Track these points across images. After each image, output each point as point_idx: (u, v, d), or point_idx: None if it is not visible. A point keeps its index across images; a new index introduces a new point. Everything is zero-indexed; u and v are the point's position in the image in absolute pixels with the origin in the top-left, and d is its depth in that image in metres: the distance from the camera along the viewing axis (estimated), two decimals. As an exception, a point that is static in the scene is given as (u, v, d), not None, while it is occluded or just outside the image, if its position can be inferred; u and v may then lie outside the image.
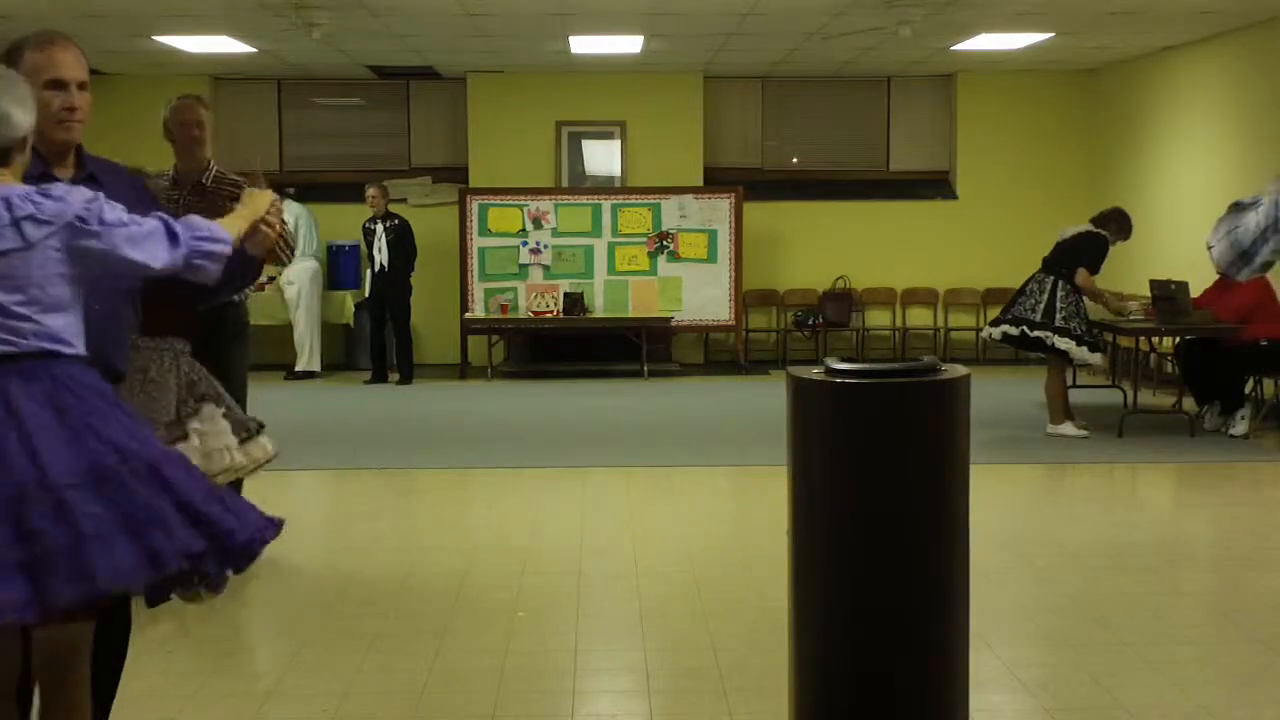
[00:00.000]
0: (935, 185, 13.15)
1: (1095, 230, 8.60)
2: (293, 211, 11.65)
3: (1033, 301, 8.53)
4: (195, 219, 2.95)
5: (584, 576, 5.33)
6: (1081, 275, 8.46)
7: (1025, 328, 8.49)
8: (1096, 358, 8.59)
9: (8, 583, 2.59)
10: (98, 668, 3.03)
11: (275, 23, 9.55)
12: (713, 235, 12.07)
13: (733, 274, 12.09)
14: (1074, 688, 4.05)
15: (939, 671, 2.97)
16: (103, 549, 2.61)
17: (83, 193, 2.81)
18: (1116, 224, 8.69)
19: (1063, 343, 8.41)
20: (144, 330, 3.81)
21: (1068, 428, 8.57)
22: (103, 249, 2.78)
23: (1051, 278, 8.51)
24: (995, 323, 8.84)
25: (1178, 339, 9.06)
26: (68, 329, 2.78)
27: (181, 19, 9.45)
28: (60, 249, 2.73)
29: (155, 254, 2.83)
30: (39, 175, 2.98)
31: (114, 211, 2.81)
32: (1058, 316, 8.43)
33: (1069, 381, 9.03)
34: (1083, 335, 8.42)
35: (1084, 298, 8.54)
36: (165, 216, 2.91)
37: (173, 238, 2.87)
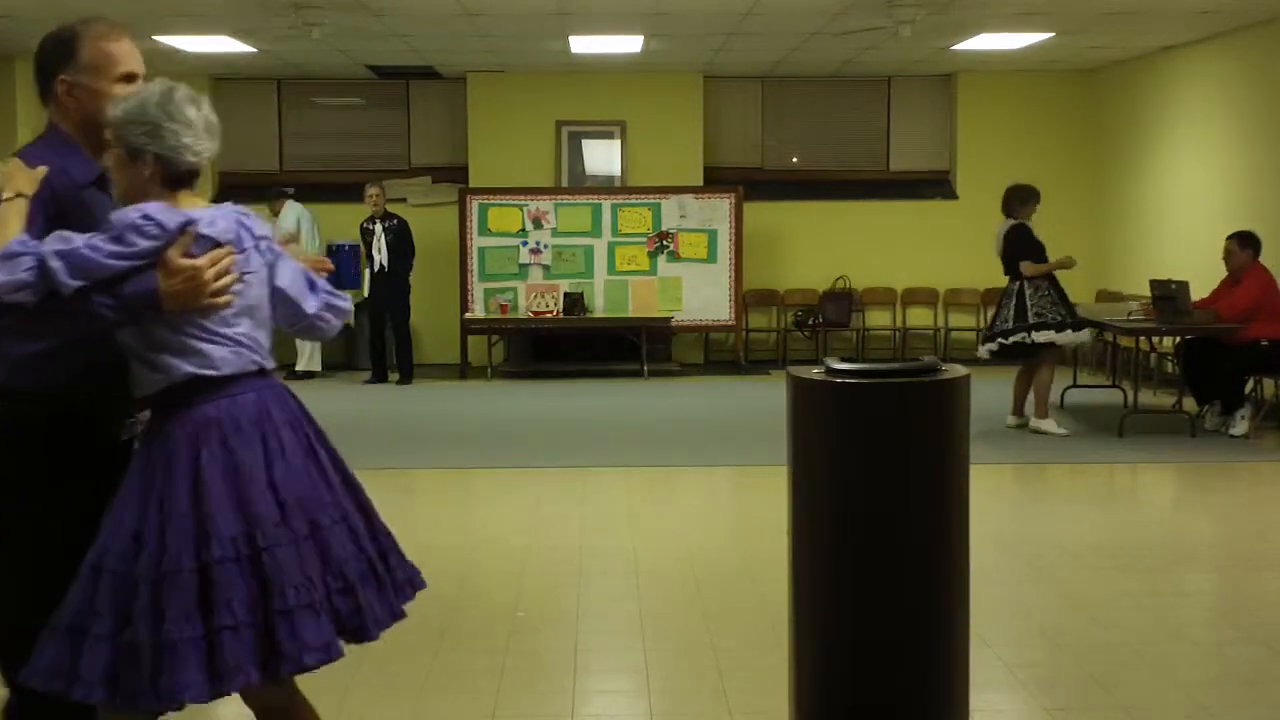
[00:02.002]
0: (935, 185, 13.15)
1: (1012, 223, 8.69)
2: (293, 211, 11.67)
3: (1006, 312, 8.65)
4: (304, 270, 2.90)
5: (584, 576, 5.33)
6: (1026, 268, 8.56)
7: (1001, 337, 8.58)
8: (1084, 334, 8.69)
9: (319, 626, 2.61)
10: None
11: (275, 23, 9.54)
12: (713, 235, 12.07)
13: (733, 274, 12.08)
14: (1074, 688, 4.05)
15: (939, 672, 2.97)
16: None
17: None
18: (1018, 201, 8.75)
19: (1043, 335, 8.47)
20: None
21: (1049, 424, 8.60)
22: (281, 271, 2.80)
23: (1017, 283, 8.60)
24: (983, 340, 8.98)
25: (1178, 339, 9.06)
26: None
27: (181, 19, 9.45)
28: (266, 268, 2.77)
29: (305, 297, 2.83)
30: (100, 178, 2.76)
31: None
32: (1030, 314, 8.50)
33: (1069, 380, 9.05)
34: (1063, 320, 8.47)
35: (1054, 283, 8.59)
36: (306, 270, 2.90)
37: (313, 285, 2.87)
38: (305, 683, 4.09)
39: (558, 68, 12.24)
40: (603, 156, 12.90)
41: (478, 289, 12.02)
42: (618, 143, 12.84)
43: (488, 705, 3.91)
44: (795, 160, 13.25)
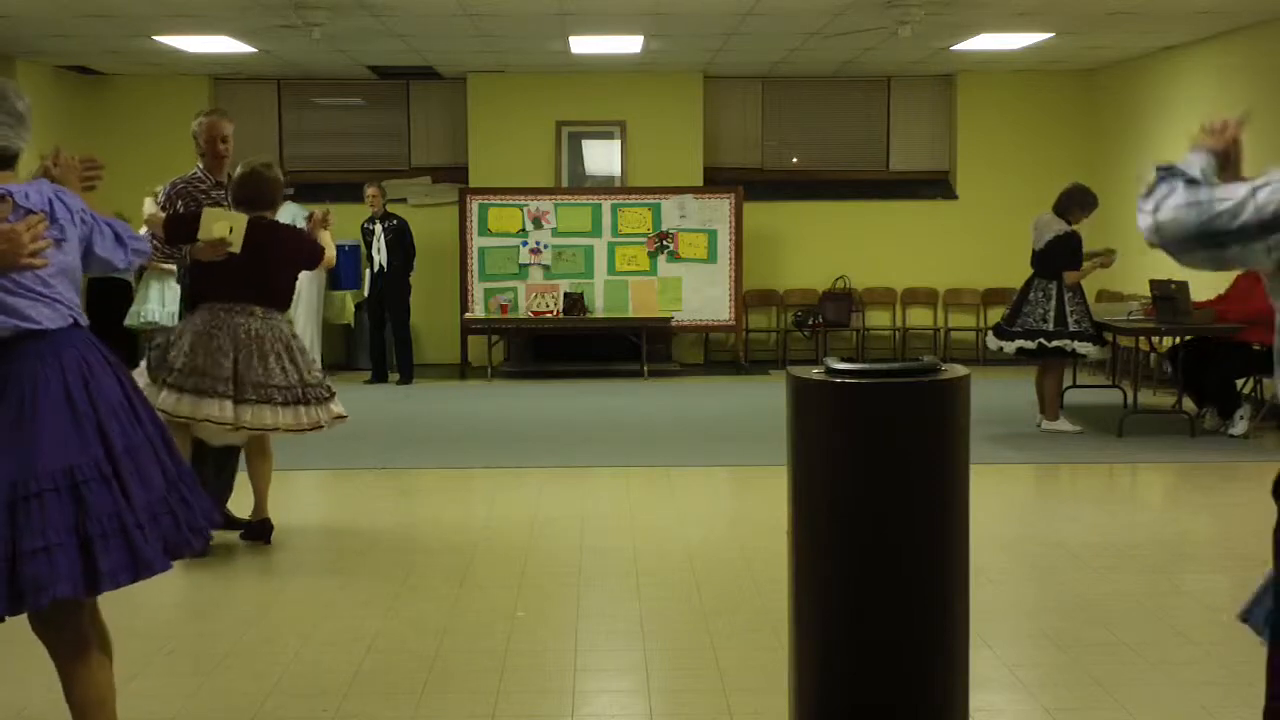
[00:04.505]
0: (935, 185, 13.16)
1: (1062, 231, 8.58)
2: (289, 212, 11.64)
3: (1041, 311, 8.52)
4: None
5: (584, 576, 5.33)
6: (1067, 277, 8.53)
7: (1042, 339, 8.49)
8: (1099, 349, 8.68)
9: (128, 549, 2.96)
10: None
11: (275, 23, 9.54)
12: (713, 235, 12.07)
13: (733, 274, 12.09)
14: (1074, 688, 4.05)
15: (939, 671, 2.97)
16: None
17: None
18: (1078, 205, 8.64)
19: (1084, 348, 8.46)
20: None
21: (1063, 423, 8.62)
22: (95, 239, 3.21)
23: (1055, 283, 8.53)
24: (1002, 334, 8.78)
25: (1175, 340, 9.03)
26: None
27: (181, 19, 9.45)
28: (79, 236, 3.15)
29: (115, 254, 3.26)
30: None
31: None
32: (1070, 321, 8.45)
33: (1068, 380, 9.06)
34: (1093, 333, 8.49)
35: (1082, 290, 8.60)
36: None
37: (120, 241, 3.29)
38: (299, 683, 4.11)
39: (558, 68, 12.24)
40: (603, 156, 12.91)
41: (478, 289, 12.02)
42: (618, 143, 12.84)
43: (488, 705, 3.91)
44: (795, 160, 13.26)
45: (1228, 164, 2.68)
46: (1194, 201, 2.36)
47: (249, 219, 5.51)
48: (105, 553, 2.88)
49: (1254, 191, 2.30)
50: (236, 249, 5.39)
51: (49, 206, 3.03)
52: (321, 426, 5.72)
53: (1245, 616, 2.63)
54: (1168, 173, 2.48)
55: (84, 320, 3.11)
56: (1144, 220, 2.44)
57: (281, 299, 5.75)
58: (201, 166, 5.88)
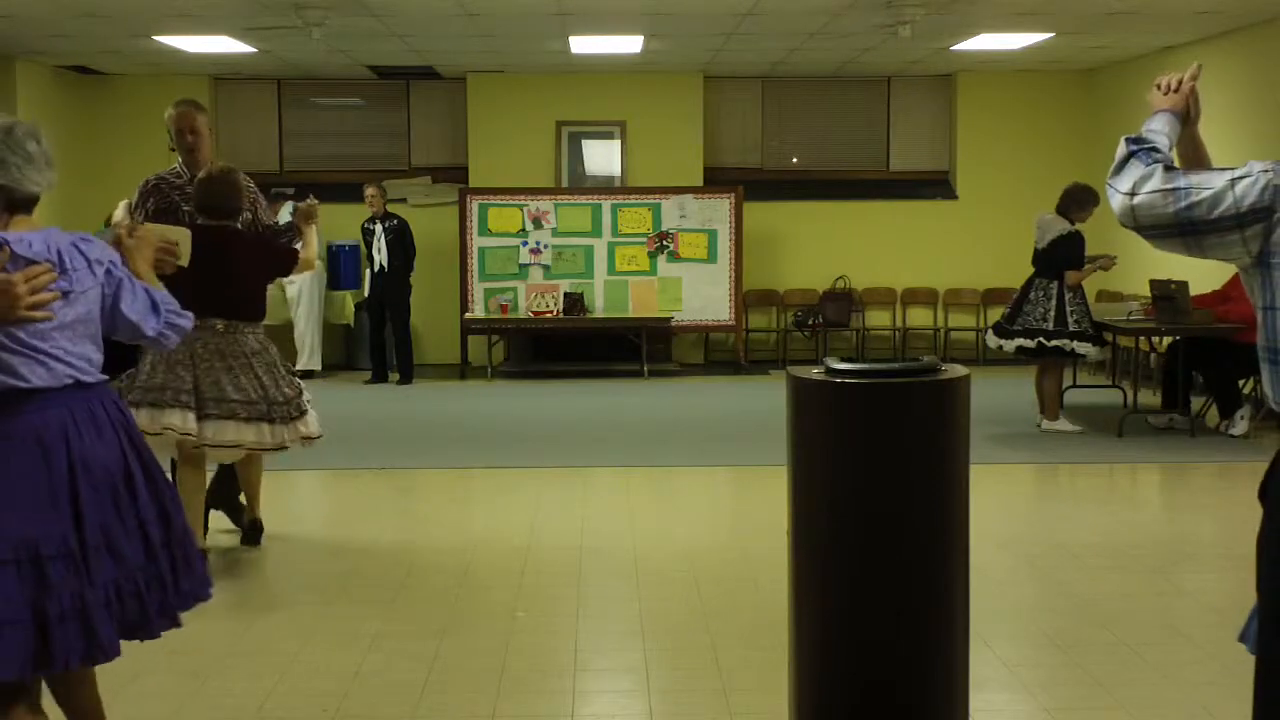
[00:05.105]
0: (935, 185, 13.15)
1: (1066, 231, 8.56)
2: (289, 212, 11.66)
3: (1041, 310, 8.50)
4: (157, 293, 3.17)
5: (584, 576, 5.33)
6: (1069, 277, 8.51)
7: (1041, 339, 8.48)
8: (1098, 349, 8.67)
9: (88, 629, 2.80)
10: None
11: (275, 23, 9.54)
12: (713, 235, 12.07)
13: (733, 274, 12.09)
14: (1074, 688, 4.05)
15: (939, 671, 2.97)
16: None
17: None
18: (1077, 204, 8.58)
19: (1083, 348, 8.45)
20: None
21: (1063, 424, 8.62)
22: (123, 296, 3.01)
23: (1055, 282, 8.51)
24: (1002, 333, 8.75)
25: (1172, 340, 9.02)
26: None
27: (181, 19, 9.45)
28: (100, 289, 2.96)
29: (146, 319, 3.06)
30: None
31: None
32: (1070, 321, 8.44)
33: (1068, 380, 9.05)
34: (1093, 333, 8.48)
35: (1082, 290, 8.59)
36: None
37: (155, 307, 3.12)
38: (299, 683, 4.11)
39: (558, 68, 12.24)
40: (603, 156, 12.90)
41: (478, 289, 12.02)
42: (618, 143, 12.84)
43: (488, 705, 3.91)
44: (795, 160, 13.26)
45: (1188, 119, 2.66)
46: (1172, 188, 2.35)
47: (213, 227, 5.35)
48: (61, 633, 2.69)
49: (1232, 184, 2.30)
50: (184, 262, 5.22)
51: (56, 257, 2.81)
52: (286, 448, 5.48)
53: (1242, 637, 2.64)
54: (1138, 145, 2.46)
55: (90, 378, 2.87)
56: (1117, 201, 2.43)
57: (249, 309, 5.50)
58: (180, 162, 5.84)
